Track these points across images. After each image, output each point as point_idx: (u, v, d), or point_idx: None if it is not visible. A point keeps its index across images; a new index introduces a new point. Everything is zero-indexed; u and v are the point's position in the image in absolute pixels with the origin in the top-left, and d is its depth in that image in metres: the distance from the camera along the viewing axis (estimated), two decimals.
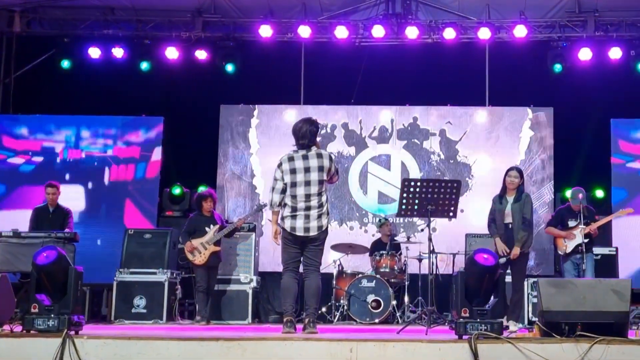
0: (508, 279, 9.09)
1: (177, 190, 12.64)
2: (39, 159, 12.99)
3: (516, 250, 8.82)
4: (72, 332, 5.77)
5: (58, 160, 13.00)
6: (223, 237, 10.47)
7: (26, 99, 13.32)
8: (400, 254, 11.25)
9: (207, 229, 10.36)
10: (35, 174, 12.86)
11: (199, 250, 10.23)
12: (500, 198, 9.08)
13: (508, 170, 9.16)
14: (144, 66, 13.04)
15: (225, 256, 10.87)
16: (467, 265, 6.27)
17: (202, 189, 11.45)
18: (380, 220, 11.86)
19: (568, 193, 10.06)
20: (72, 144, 13.04)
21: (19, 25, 12.96)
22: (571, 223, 9.74)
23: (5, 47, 13.28)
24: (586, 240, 9.50)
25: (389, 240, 11.50)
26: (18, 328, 6.10)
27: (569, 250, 9.63)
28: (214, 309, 10.69)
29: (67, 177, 12.85)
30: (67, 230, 10.34)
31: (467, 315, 5.83)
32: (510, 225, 8.93)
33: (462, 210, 12.01)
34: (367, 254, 11.66)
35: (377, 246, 11.57)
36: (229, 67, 13.01)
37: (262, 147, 12.99)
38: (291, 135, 7.40)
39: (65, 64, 13.08)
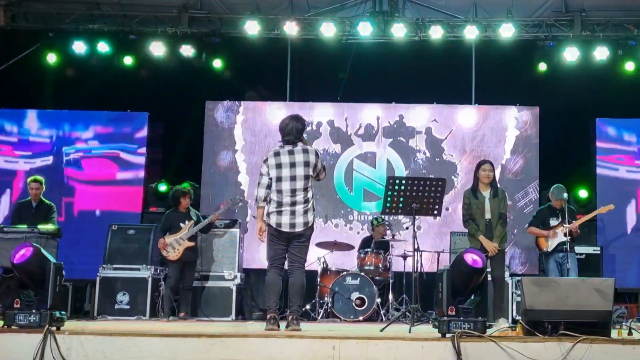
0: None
1: (163, 187, 12.69)
2: (21, 153, 13.02)
3: (496, 247, 8.72)
4: (54, 328, 5.75)
5: (42, 153, 12.98)
6: (201, 233, 10.56)
7: (10, 93, 13.24)
8: (388, 252, 11.29)
9: (182, 225, 10.42)
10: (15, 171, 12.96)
11: (173, 246, 10.29)
12: (474, 192, 8.87)
13: (481, 164, 8.95)
14: (129, 61, 13.04)
15: (209, 252, 10.96)
16: (455, 264, 6.27)
17: (185, 185, 11.46)
18: (377, 219, 11.81)
19: (551, 190, 10.06)
20: (56, 138, 13.00)
21: (3, 19, 12.91)
22: (553, 222, 9.77)
23: None
24: (567, 239, 9.53)
25: (379, 238, 11.54)
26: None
27: (550, 248, 9.66)
28: (197, 305, 10.78)
29: (49, 171, 12.73)
30: (50, 225, 10.29)
31: (454, 313, 5.85)
32: (489, 221, 8.81)
33: (447, 209, 12.19)
34: (351, 251, 11.71)
35: (368, 243, 11.57)
36: (215, 63, 13.04)
37: (247, 143, 13.01)
38: (277, 132, 7.41)
39: (50, 58, 13.03)
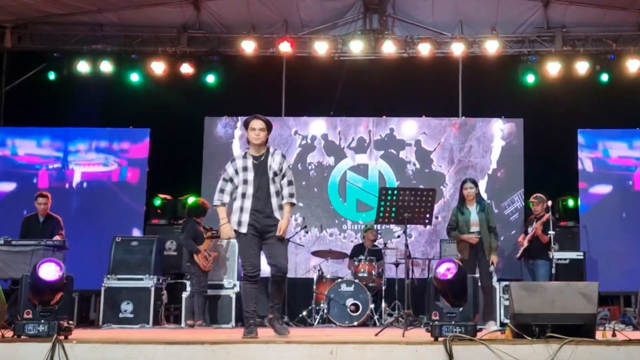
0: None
1: (157, 202, 12.97)
2: (26, 170, 13.23)
3: (495, 259, 9.40)
4: (62, 337, 5.80)
5: (46, 171, 13.19)
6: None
7: (17, 112, 13.51)
8: (381, 259, 11.59)
9: (205, 235, 10.76)
10: (21, 187, 13.15)
11: (206, 257, 10.67)
12: (460, 209, 9.57)
13: (464, 182, 9.63)
14: (132, 80, 13.27)
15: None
16: (434, 277, 6.24)
17: (191, 198, 11.73)
18: (366, 226, 12.14)
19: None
20: (62, 155, 13.21)
21: (10, 40, 13.18)
22: (529, 229, 10.44)
23: None
24: (525, 245, 10.28)
25: (371, 245, 11.79)
26: (9, 334, 6.08)
27: (518, 255, 10.54)
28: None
29: (55, 186, 12.96)
30: (56, 238, 10.49)
31: (437, 318, 5.94)
32: (476, 233, 9.44)
33: (437, 218, 12.37)
34: (346, 259, 12.01)
35: (358, 250, 11.82)
36: (213, 80, 13.27)
37: None
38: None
39: (55, 77, 13.30)
